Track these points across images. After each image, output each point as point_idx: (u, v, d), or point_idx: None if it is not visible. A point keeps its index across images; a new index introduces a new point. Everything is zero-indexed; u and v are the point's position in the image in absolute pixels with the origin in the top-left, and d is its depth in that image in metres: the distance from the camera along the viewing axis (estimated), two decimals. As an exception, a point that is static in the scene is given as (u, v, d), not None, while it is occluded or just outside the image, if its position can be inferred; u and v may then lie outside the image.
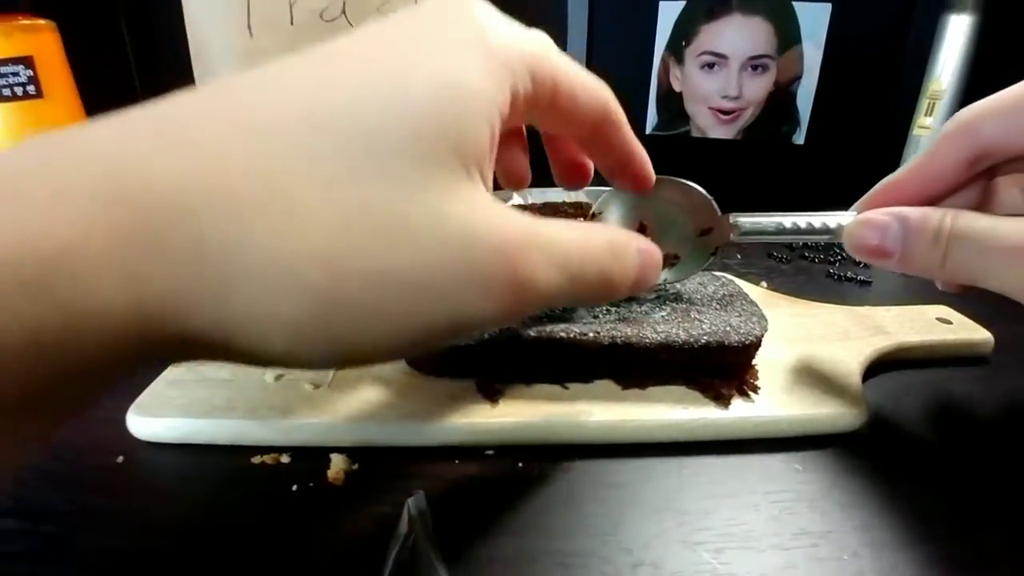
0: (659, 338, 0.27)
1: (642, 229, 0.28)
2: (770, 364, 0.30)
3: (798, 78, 0.59)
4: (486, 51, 0.17)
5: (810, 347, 0.32)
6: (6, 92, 0.42)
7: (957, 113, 0.23)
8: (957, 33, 0.65)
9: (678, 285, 0.33)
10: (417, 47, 0.16)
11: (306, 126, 0.14)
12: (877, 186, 0.26)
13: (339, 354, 0.16)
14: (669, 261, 0.29)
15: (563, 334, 0.28)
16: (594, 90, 0.21)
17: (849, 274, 0.46)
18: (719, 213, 0.27)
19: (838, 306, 0.37)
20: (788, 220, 0.26)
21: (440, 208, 0.16)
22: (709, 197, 0.27)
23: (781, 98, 0.60)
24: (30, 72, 0.42)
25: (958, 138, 0.23)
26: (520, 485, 0.25)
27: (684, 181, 0.27)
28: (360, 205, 0.15)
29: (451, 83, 0.16)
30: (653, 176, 0.25)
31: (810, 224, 0.26)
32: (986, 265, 0.22)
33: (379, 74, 0.16)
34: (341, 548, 0.22)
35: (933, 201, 0.24)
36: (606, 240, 0.20)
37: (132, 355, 0.13)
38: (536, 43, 0.19)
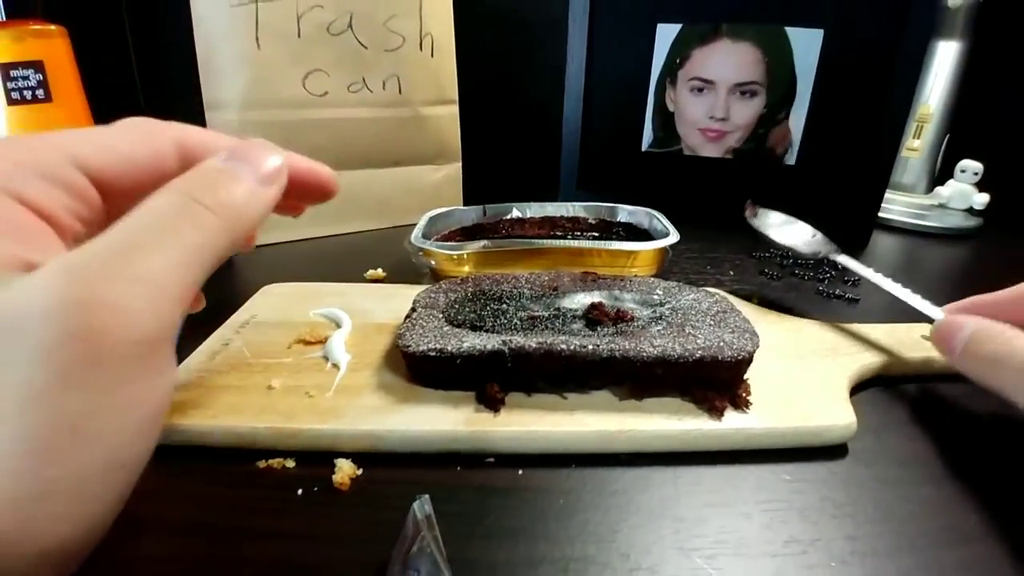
0: (655, 352, 0.28)
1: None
2: (762, 378, 0.31)
3: (789, 106, 0.61)
4: None
5: (800, 362, 0.33)
6: (15, 96, 0.42)
7: None
8: (946, 59, 0.68)
9: (674, 301, 0.34)
10: None
11: None
12: (970, 299, 0.31)
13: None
14: None
15: (563, 347, 0.28)
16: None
17: (838, 291, 0.47)
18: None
19: (828, 323, 0.38)
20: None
21: None
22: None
23: (773, 123, 0.62)
24: (40, 76, 0.42)
25: None
26: (521, 492, 0.25)
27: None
28: None
29: None
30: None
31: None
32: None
33: None
34: (346, 550, 0.22)
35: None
36: (169, 204, 0.19)
37: None
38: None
